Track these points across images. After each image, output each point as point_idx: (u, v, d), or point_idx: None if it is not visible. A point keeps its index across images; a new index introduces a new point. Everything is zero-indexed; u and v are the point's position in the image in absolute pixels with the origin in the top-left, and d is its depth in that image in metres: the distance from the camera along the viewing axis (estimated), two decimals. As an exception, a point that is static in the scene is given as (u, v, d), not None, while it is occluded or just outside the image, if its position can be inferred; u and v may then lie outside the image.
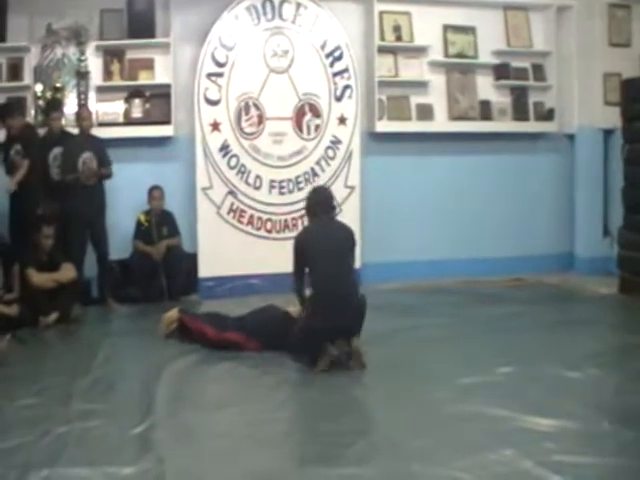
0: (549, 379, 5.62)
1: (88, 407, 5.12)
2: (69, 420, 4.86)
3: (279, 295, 8.50)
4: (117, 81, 8.86)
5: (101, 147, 8.40)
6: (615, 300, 8.67)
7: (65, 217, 8.16)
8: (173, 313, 7.02)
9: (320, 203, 6.41)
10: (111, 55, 8.85)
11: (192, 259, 8.78)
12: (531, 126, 10.08)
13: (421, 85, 9.64)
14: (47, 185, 8.24)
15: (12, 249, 7.83)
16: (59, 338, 7.34)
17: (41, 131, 8.42)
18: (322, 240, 6.19)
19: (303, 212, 8.86)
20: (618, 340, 6.95)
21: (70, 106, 8.74)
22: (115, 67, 8.84)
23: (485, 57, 9.86)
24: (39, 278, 7.61)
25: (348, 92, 9.16)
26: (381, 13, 9.38)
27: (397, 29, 9.48)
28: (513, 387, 5.47)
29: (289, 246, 8.77)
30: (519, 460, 4.12)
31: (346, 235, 6.34)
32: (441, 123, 9.71)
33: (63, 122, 8.58)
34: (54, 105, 8.48)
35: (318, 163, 9.09)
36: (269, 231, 8.97)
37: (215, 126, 8.77)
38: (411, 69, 9.58)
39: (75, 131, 8.45)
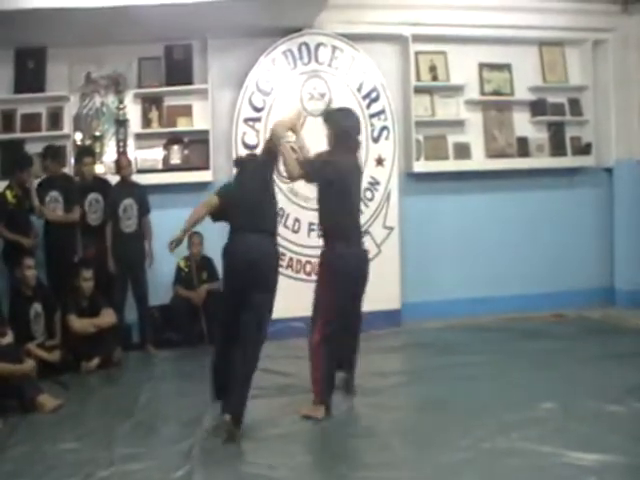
0: (592, 414, 5.60)
1: (130, 451, 5.19)
2: (111, 463, 4.94)
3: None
4: (156, 128, 8.97)
5: (142, 194, 8.52)
6: (657, 333, 8.58)
7: (106, 262, 8.29)
8: None
9: (349, 132, 6.29)
10: (149, 102, 8.97)
11: (232, 303, 8.79)
12: (569, 161, 10.02)
13: (458, 124, 9.67)
14: (84, 231, 8.39)
15: (53, 295, 7.90)
16: (101, 383, 7.39)
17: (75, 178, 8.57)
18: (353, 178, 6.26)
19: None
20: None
21: (110, 154, 8.89)
22: (153, 114, 8.95)
23: (521, 94, 9.87)
24: (80, 324, 7.70)
25: (385, 133, 9.17)
26: (417, 53, 9.43)
27: (433, 69, 9.53)
28: (556, 422, 5.46)
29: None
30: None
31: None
32: (479, 161, 9.69)
33: (103, 169, 8.75)
34: (86, 151, 8.60)
35: (356, 204, 9.09)
36: (308, 274, 8.93)
37: (253, 170, 8.81)
38: (448, 108, 9.61)
39: (114, 178, 8.58)
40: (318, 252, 8.79)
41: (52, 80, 8.78)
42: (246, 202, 5.81)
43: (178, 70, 8.95)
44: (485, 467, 4.67)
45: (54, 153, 8.36)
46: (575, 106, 10.06)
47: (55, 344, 7.65)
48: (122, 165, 8.47)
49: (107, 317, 7.85)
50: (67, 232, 8.26)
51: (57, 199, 8.24)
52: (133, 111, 8.97)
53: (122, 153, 8.75)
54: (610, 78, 9.96)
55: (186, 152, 9.00)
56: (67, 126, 8.79)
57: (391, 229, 9.04)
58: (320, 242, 8.89)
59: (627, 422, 5.44)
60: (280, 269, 8.55)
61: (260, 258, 5.67)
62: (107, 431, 5.62)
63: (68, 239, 8.27)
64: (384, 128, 9.18)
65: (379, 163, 9.16)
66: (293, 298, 8.79)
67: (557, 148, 9.98)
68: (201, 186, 8.93)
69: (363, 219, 8.94)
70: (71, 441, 5.42)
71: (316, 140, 8.80)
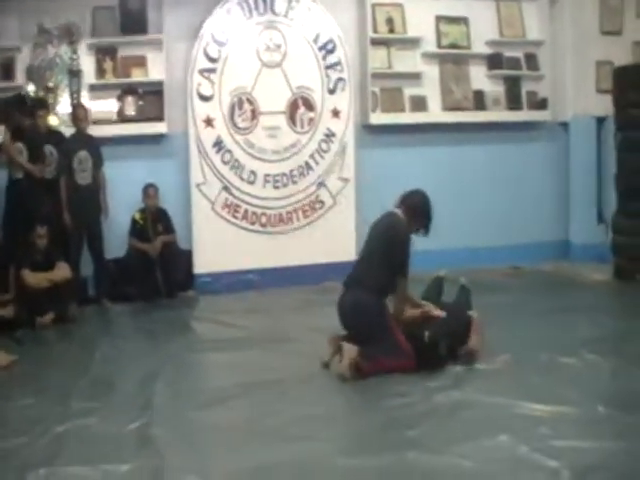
0: (545, 365, 5.66)
1: (86, 405, 5.13)
2: (67, 419, 4.88)
3: (276, 289, 8.59)
4: (110, 79, 8.83)
5: (97, 146, 8.42)
6: (610, 286, 8.71)
7: (61, 216, 8.19)
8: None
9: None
10: (103, 53, 8.83)
11: (188, 255, 8.79)
12: (525, 115, 10.08)
13: (414, 76, 9.64)
14: (40, 184, 8.20)
15: (7, 250, 7.82)
16: (56, 338, 7.33)
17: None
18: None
19: (298, 205, 9.01)
20: (613, 326, 6.98)
21: (63, 105, 8.73)
22: (108, 65, 8.81)
23: (478, 47, 9.88)
24: (34, 278, 7.61)
25: (341, 85, 9.15)
26: (373, 5, 9.38)
27: (390, 21, 9.47)
28: (509, 374, 5.51)
29: (284, 240, 8.98)
30: (515, 446, 4.16)
31: None
32: (435, 114, 9.70)
33: (57, 121, 8.62)
34: (39, 103, 8.42)
35: (312, 156, 9.09)
36: (264, 225, 8.96)
37: (208, 122, 8.75)
38: (404, 61, 9.58)
39: (67, 130, 8.45)
40: (273, 204, 8.97)
41: (3, 31, 8.57)
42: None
43: (132, 20, 8.79)
44: (439, 419, 4.71)
45: (21, 103, 8.25)
46: (532, 61, 10.08)
47: (9, 299, 7.57)
48: (79, 117, 8.35)
49: (62, 271, 7.76)
50: (30, 186, 8.10)
51: (21, 151, 8.09)
52: (87, 62, 8.79)
53: (79, 105, 8.58)
54: (567, 34, 9.98)
55: (141, 103, 8.88)
56: (20, 77, 8.62)
57: (346, 181, 9.07)
58: (275, 194, 9.03)
59: (579, 374, 5.49)
60: (236, 221, 8.83)
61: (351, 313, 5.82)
62: (63, 387, 5.56)
63: (27, 192, 8.11)
64: (340, 80, 9.14)
65: (335, 115, 9.14)
66: (246, 250, 8.88)
67: (513, 102, 10.01)
68: (156, 138, 8.90)
69: (319, 170, 9.10)
70: (26, 397, 5.35)
71: (272, 92, 8.92)
